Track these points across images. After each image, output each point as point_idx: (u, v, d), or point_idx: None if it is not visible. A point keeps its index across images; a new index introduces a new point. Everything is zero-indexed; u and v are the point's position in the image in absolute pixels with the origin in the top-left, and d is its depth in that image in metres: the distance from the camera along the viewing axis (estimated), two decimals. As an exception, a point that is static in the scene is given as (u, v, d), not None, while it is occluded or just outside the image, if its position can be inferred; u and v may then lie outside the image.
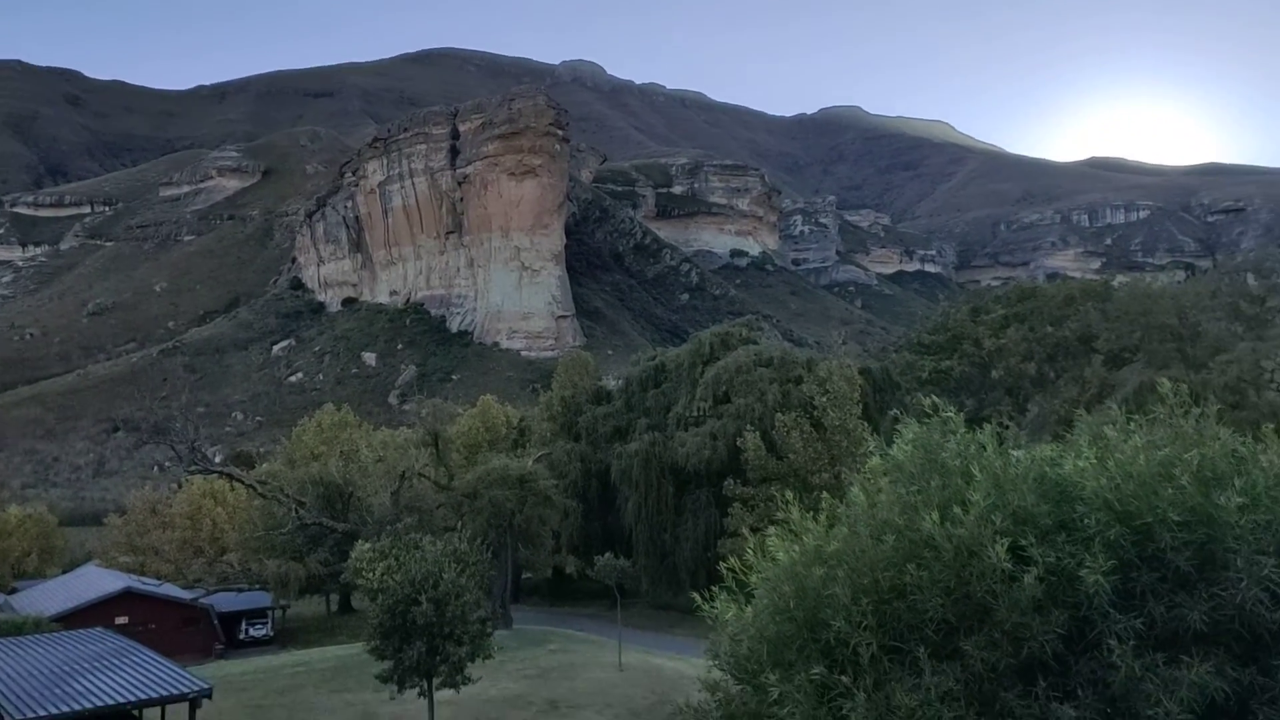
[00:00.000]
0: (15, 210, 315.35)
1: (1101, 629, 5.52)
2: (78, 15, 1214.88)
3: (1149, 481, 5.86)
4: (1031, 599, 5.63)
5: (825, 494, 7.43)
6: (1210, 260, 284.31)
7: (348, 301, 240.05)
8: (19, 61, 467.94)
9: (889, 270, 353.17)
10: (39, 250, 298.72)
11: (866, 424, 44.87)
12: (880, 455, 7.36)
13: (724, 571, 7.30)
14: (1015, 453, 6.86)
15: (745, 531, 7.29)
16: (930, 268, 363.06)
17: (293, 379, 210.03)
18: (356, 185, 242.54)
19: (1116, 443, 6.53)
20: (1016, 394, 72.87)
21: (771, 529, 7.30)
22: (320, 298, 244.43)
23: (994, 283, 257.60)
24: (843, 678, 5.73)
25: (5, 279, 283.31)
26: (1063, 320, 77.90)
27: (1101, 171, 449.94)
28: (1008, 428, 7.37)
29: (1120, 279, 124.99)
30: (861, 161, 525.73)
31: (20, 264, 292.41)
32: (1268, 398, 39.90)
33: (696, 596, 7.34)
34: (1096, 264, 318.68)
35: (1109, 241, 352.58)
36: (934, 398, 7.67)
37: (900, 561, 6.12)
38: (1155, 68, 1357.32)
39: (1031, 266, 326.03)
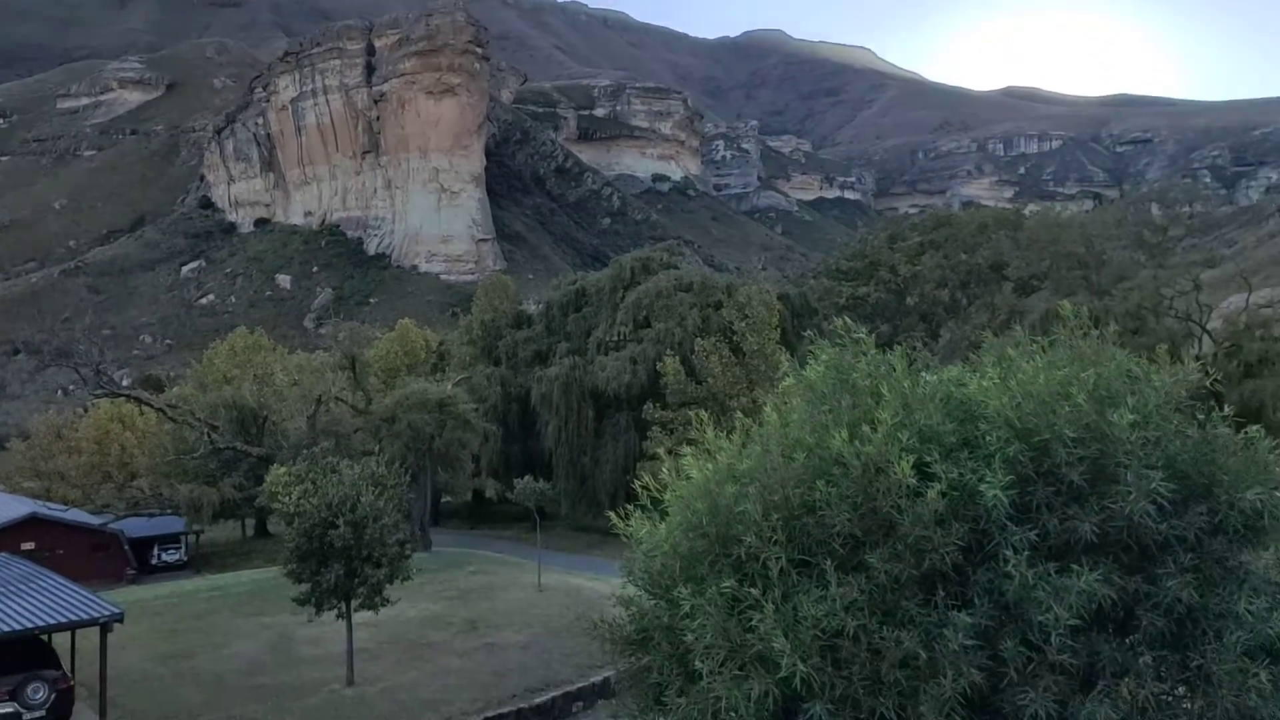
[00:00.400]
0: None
1: (998, 541, 5.75)
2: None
3: (1047, 400, 6.08)
4: (934, 513, 5.83)
5: (741, 415, 7.54)
6: (1118, 190, 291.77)
7: (260, 222, 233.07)
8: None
9: (809, 197, 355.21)
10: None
11: (784, 349, 45.49)
12: (794, 376, 7.48)
13: (640, 490, 7.40)
14: (924, 374, 7.03)
15: (662, 454, 7.38)
16: (850, 195, 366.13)
17: (203, 301, 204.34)
18: (268, 101, 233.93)
19: (1018, 364, 6.74)
20: (930, 320, 74.43)
21: (687, 449, 7.40)
22: (231, 218, 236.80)
23: (911, 210, 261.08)
24: (752, 590, 5.89)
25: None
26: (976, 248, 79.46)
27: (1017, 101, 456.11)
28: (919, 351, 7.55)
29: (1031, 208, 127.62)
30: (784, 87, 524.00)
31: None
32: (1166, 324, 41.42)
33: (613, 516, 7.43)
34: (1010, 193, 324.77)
35: (1022, 171, 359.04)
36: (848, 320, 7.81)
37: (810, 479, 6.28)
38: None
39: (948, 194, 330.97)
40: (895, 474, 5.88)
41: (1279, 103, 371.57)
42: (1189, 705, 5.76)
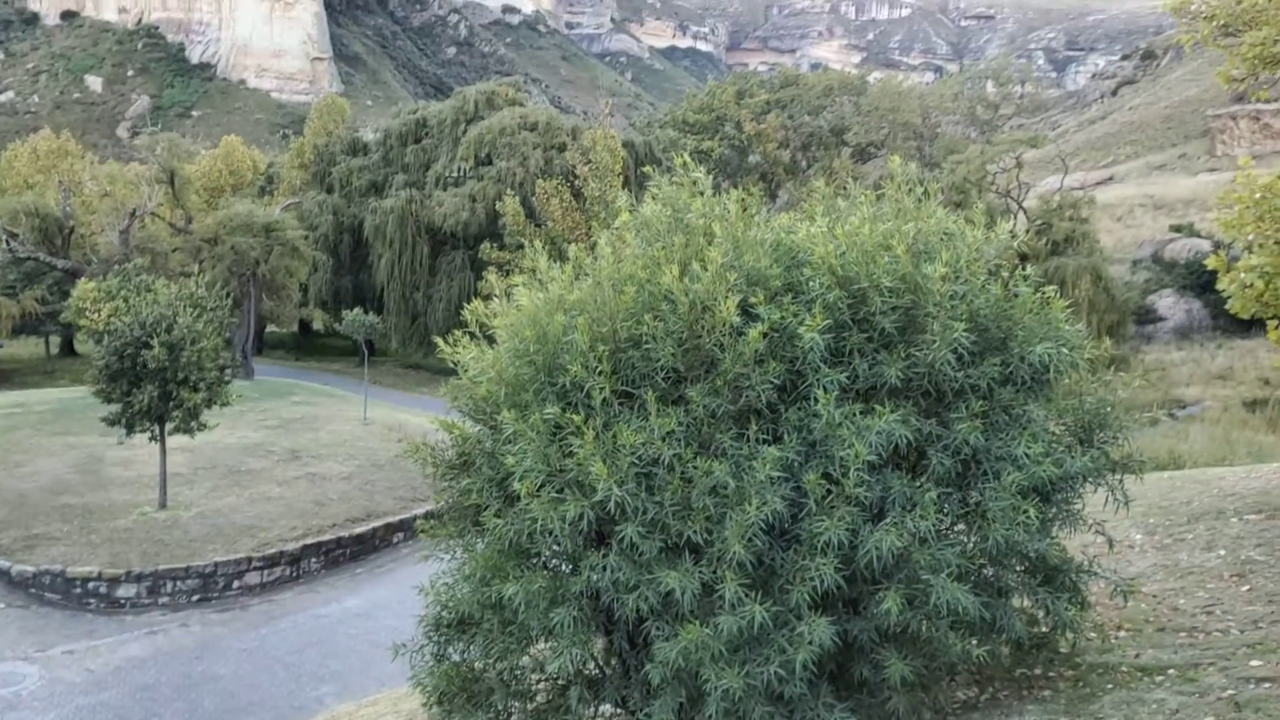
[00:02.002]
0: None
1: (811, 381, 6.02)
2: None
3: (869, 251, 6.30)
4: (755, 352, 6.03)
5: (574, 249, 7.53)
6: (958, 65, 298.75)
7: (68, 15, 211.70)
8: None
9: (662, 44, 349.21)
10: None
11: (627, 196, 45.39)
12: (630, 213, 7.49)
13: (469, 318, 7.36)
14: (756, 219, 7.16)
15: (498, 293, 7.33)
16: (702, 45, 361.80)
17: (1, 98, 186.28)
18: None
19: (846, 215, 6.94)
20: (770, 180, 75.56)
21: (519, 278, 7.37)
22: (34, 6, 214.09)
23: (762, 67, 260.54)
24: (575, 418, 6.01)
25: None
26: (820, 111, 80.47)
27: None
28: (752, 193, 7.65)
29: (876, 75, 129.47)
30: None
31: None
32: (987, 198, 43.38)
33: (440, 341, 7.38)
34: (858, 58, 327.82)
35: (870, 37, 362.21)
36: (688, 159, 7.82)
37: (639, 313, 6.37)
38: None
39: (798, 54, 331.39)
40: (721, 313, 6.04)
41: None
42: (965, 539, 6.29)
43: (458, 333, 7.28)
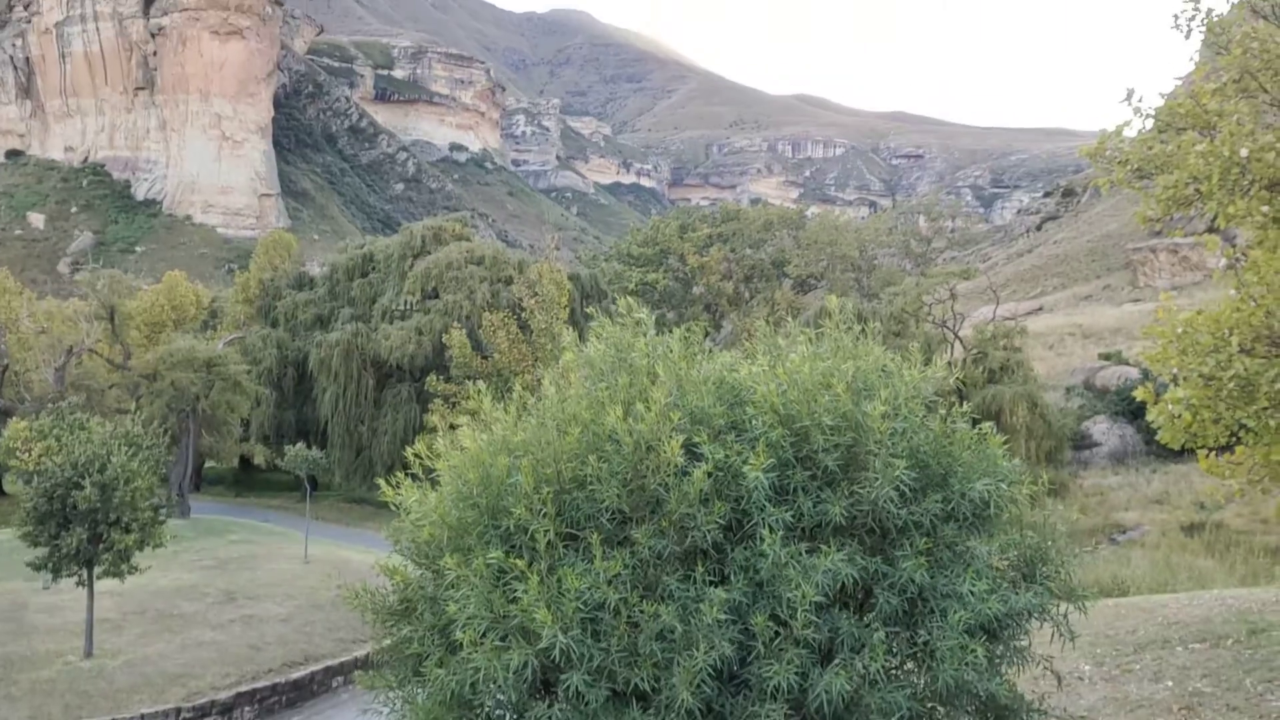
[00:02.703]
0: None
1: (757, 520, 6.03)
2: None
3: (810, 389, 6.41)
4: (700, 492, 6.04)
5: (520, 388, 7.56)
6: (891, 200, 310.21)
7: (12, 154, 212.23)
8: None
9: (606, 180, 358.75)
10: None
11: (572, 329, 45.77)
12: (575, 352, 7.56)
13: (412, 459, 7.30)
14: (700, 359, 7.27)
15: (443, 426, 7.29)
16: (645, 181, 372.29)
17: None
18: (29, 22, 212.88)
19: (787, 353, 7.08)
20: (714, 310, 76.82)
21: (463, 418, 7.36)
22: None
23: (703, 202, 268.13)
24: (519, 562, 5.93)
25: None
26: (761, 244, 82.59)
27: (807, 107, 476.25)
28: (698, 335, 7.78)
29: (814, 210, 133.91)
30: (587, 68, 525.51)
31: None
32: (924, 328, 44.48)
33: (383, 483, 7.29)
34: (795, 193, 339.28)
35: (808, 174, 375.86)
36: (630, 301, 7.95)
37: (583, 453, 6.37)
38: (859, 17, 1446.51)
39: (738, 190, 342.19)
40: (665, 453, 6.06)
41: (1032, 133, 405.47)
42: (915, 679, 6.23)
43: (400, 474, 7.21)
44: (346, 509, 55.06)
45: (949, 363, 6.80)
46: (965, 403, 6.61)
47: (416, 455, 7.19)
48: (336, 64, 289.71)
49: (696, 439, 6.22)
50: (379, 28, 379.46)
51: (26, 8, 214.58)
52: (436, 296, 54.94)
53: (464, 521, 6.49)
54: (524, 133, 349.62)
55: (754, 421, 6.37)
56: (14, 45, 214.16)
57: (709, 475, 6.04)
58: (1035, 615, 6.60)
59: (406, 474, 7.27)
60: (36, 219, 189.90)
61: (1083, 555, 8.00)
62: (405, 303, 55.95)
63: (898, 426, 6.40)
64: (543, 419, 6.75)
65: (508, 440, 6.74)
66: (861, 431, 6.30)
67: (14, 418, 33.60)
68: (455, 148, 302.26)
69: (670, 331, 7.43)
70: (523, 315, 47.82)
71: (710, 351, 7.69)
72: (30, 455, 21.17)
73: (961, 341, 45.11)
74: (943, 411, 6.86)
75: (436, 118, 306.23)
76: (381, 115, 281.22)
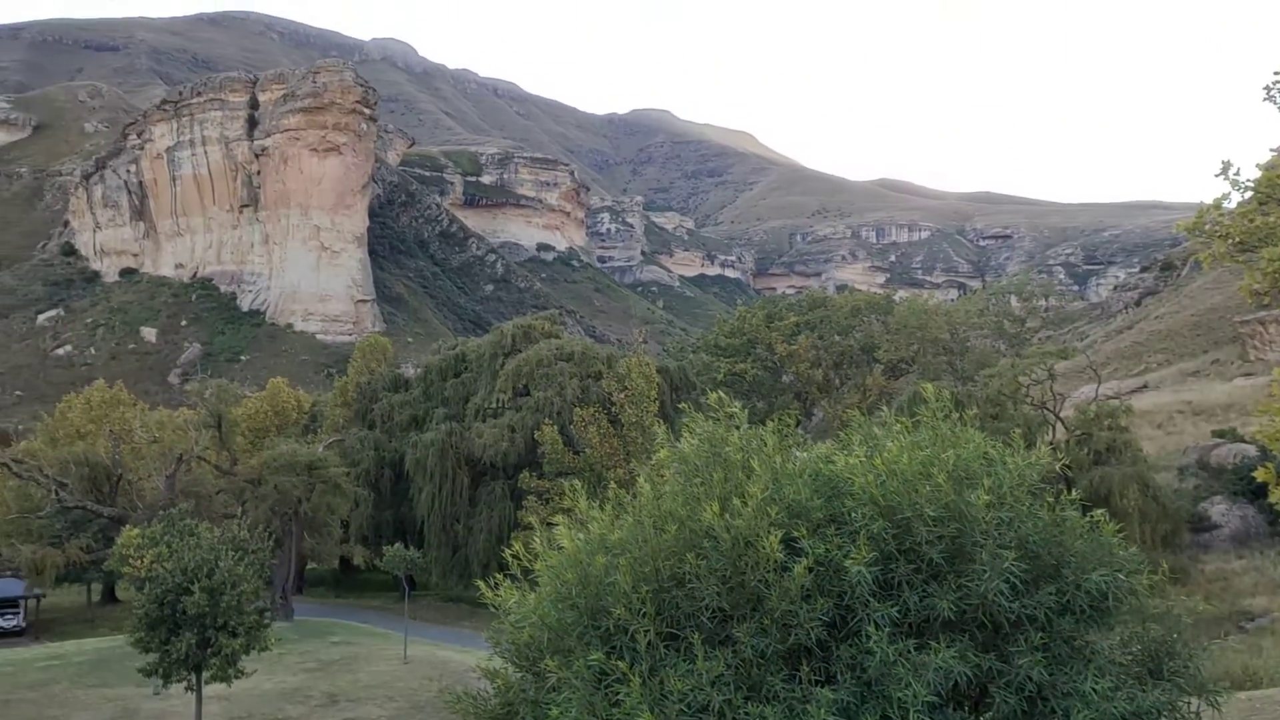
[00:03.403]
0: None
1: (861, 617, 5.87)
2: None
3: (910, 479, 6.28)
4: (801, 588, 5.92)
5: (614, 486, 7.57)
6: (980, 281, 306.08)
7: (126, 272, 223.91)
8: None
9: (691, 273, 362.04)
10: None
11: (662, 421, 45.84)
12: (668, 448, 7.56)
13: (510, 560, 7.32)
14: (794, 450, 7.20)
15: (536, 523, 7.33)
16: (730, 273, 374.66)
17: (60, 352, 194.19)
18: (142, 149, 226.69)
19: (884, 443, 6.96)
20: (804, 398, 76.20)
21: (560, 518, 7.37)
22: (95, 266, 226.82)
23: (789, 291, 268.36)
24: (620, 663, 5.85)
25: None
26: (849, 330, 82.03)
27: (890, 192, 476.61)
28: (791, 427, 7.72)
29: (901, 294, 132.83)
30: (669, 165, 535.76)
31: None
32: (1023, 410, 43.33)
33: (482, 585, 7.32)
34: (881, 279, 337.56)
35: (893, 258, 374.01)
36: (723, 395, 7.95)
37: (681, 551, 6.32)
38: (941, 100, 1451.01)
39: (823, 277, 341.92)
40: (764, 548, 5.97)
41: (1124, 207, 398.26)
42: (1039, 781, 5.92)
43: (498, 574, 7.23)
44: (444, 608, 55.28)
45: (1052, 446, 6.58)
46: (1072, 488, 6.35)
47: (514, 556, 7.21)
48: (427, 173, 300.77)
49: (795, 533, 6.12)
50: (467, 136, 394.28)
51: (140, 135, 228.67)
52: (528, 394, 55.66)
53: (564, 623, 6.45)
54: (609, 230, 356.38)
55: (854, 514, 6.26)
56: (128, 171, 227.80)
57: (810, 570, 5.93)
58: (1165, 713, 6.24)
59: (504, 574, 7.29)
60: (149, 333, 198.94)
61: (1210, 647, 7.58)
62: (497, 401, 56.77)
63: (1004, 516, 6.22)
64: (639, 516, 6.73)
65: (605, 539, 6.73)
66: (966, 522, 6.13)
67: (127, 525, 34.75)
68: (542, 247, 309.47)
69: (761, 421, 7.39)
70: (613, 409, 48.04)
71: (804, 441, 7.61)
72: (142, 562, 21.80)
73: (1063, 423, 43.77)
74: (1050, 498, 6.64)
75: (523, 219, 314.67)
76: (471, 220, 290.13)
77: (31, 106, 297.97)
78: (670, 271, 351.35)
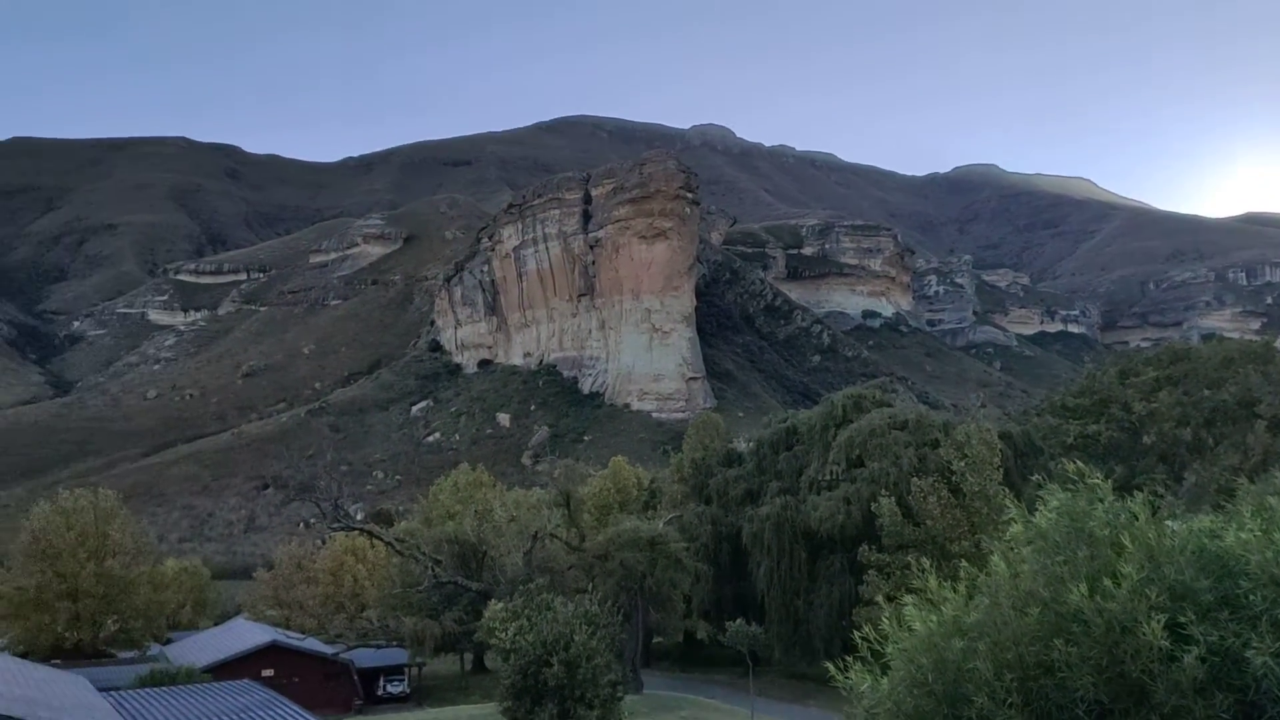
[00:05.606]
0: (178, 278, 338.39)
1: (1272, 714, 5.14)
2: (237, 94, 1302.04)
3: (1321, 556, 5.48)
4: (1193, 680, 5.30)
5: (964, 563, 7.18)
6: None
7: (483, 363, 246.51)
8: (184, 138, 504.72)
9: (1029, 331, 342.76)
10: (199, 315, 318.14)
11: (1008, 490, 43.21)
12: (1023, 523, 7.08)
13: (859, 641, 7.11)
14: (1170, 523, 6.51)
15: (880, 600, 7.10)
16: (1073, 328, 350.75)
17: (430, 439, 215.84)
18: (492, 250, 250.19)
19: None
20: (1171, 461, 69.09)
21: (908, 598, 7.09)
22: (457, 359, 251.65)
23: (1143, 344, 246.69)
24: (987, 757, 5.48)
25: (169, 342, 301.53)
26: (1221, 383, 73.75)
27: (1258, 227, 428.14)
28: (1162, 496, 7.02)
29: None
30: (998, 220, 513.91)
31: (182, 328, 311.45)
32: None
33: (831, 666, 7.15)
34: (1256, 324, 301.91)
35: (1270, 301, 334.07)
36: (1079, 463, 7.37)
37: (1046, 635, 5.85)
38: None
39: (1184, 327, 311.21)
40: (1145, 634, 5.40)
41: None
42: None
43: (844, 654, 7.05)
44: (787, 684, 54.68)
45: None
46: None
47: (865, 639, 7.00)
48: (749, 249, 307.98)
49: (1181, 618, 5.49)
50: (787, 210, 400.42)
51: (490, 238, 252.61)
52: (862, 465, 54.56)
53: (920, 709, 6.15)
54: (936, 292, 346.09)
55: (1251, 596, 5.52)
56: (482, 271, 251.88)
57: (1202, 660, 5.28)
58: None
59: (852, 653, 7.08)
60: (504, 418, 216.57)
61: None
62: (831, 473, 56.09)
63: None
64: (995, 597, 6.32)
65: (959, 620, 6.37)
66: (1400, 606, 5.23)
67: (492, 599, 37.51)
68: (868, 314, 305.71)
69: (1122, 489, 6.76)
70: (953, 478, 45.95)
71: (1178, 512, 6.87)
72: (507, 634, 23.40)
73: None
74: None
75: (847, 288, 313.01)
76: (794, 292, 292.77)
77: (401, 221, 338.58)
78: (1005, 331, 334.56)
